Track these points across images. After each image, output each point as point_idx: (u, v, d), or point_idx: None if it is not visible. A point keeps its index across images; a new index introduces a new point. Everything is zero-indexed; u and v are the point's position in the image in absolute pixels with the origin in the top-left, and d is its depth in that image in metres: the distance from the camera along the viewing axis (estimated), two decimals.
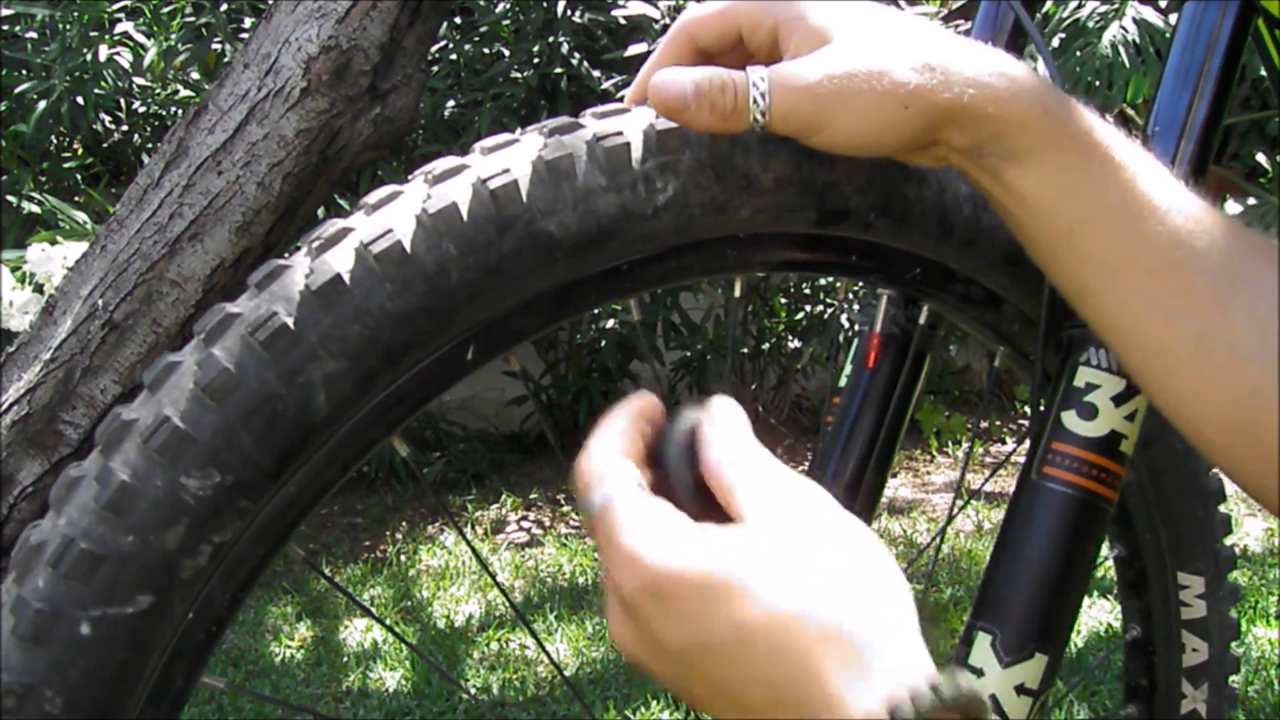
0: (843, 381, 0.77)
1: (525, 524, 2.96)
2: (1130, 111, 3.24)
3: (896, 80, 0.51)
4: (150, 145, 3.07)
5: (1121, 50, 2.88)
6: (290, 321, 0.51)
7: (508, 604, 2.38)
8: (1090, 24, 2.97)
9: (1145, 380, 0.55)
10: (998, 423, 3.99)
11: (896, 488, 3.31)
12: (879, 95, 0.51)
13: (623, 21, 3.07)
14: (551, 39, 3.01)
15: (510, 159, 0.54)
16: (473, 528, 2.89)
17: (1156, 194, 0.53)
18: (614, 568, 0.43)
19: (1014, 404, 4.13)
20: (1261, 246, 0.53)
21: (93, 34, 2.79)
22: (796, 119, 0.52)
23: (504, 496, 3.07)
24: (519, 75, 3.03)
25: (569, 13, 3.04)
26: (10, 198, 2.60)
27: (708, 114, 0.52)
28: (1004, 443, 3.82)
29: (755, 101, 0.52)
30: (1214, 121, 0.64)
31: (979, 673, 0.61)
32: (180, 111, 2.95)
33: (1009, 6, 0.75)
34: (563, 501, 3.08)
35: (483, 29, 3.06)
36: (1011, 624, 0.61)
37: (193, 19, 2.94)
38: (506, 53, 3.07)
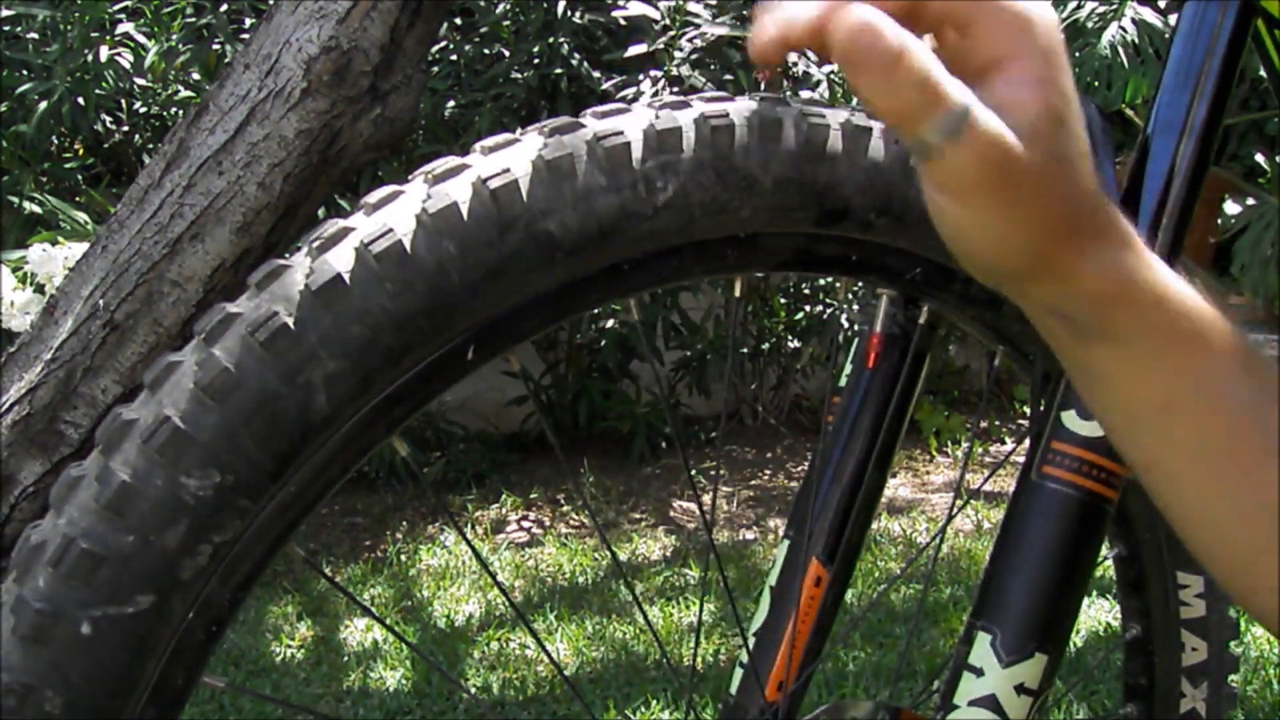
0: (843, 381, 0.77)
1: (525, 524, 2.96)
2: (1129, 112, 3.24)
3: (1061, 217, 0.45)
4: (151, 146, 3.07)
5: (1120, 51, 2.88)
6: (290, 321, 0.51)
7: (508, 604, 2.38)
8: (1089, 24, 2.97)
9: (1222, 568, 0.52)
10: (997, 423, 3.99)
11: (896, 488, 3.31)
12: (1038, 225, 0.45)
13: (623, 22, 3.07)
14: (551, 40, 3.01)
15: (510, 159, 0.55)
16: (473, 528, 2.89)
17: (1256, 381, 0.49)
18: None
19: (1014, 404, 4.13)
20: None
21: (94, 35, 2.79)
22: (963, 184, 0.44)
23: (504, 496, 3.07)
24: (519, 76, 3.03)
25: (569, 13, 3.04)
26: (11, 198, 2.60)
27: (897, 98, 0.41)
28: (1004, 443, 3.82)
29: (951, 129, 0.42)
30: (1214, 122, 0.64)
31: (979, 672, 0.61)
32: (181, 112, 2.95)
33: None
34: (562, 501, 3.08)
35: (483, 29, 3.07)
36: (1012, 624, 0.60)
37: (194, 20, 2.94)
38: (506, 53, 3.08)
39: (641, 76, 3.01)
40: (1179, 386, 0.49)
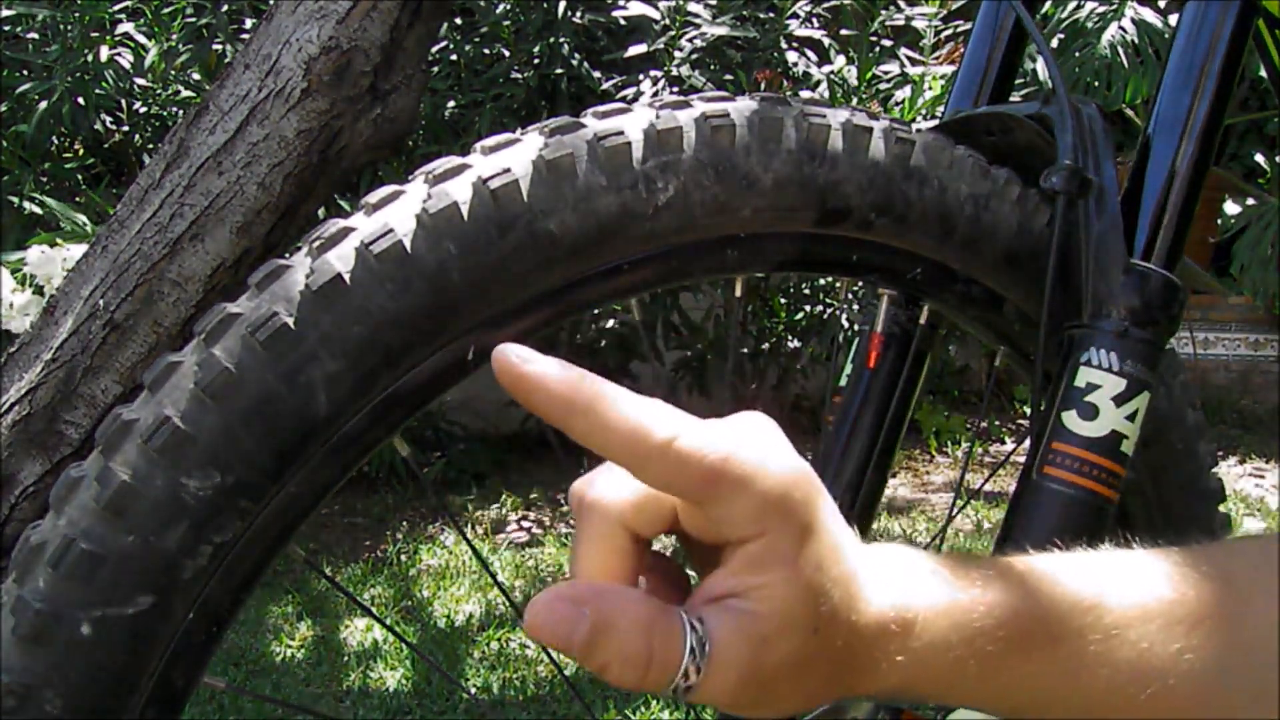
0: (843, 381, 0.77)
1: (525, 524, 2.96)
2: (1130, 112, 3.24)
3: (840, 683, 0.43)
4: (151, 146, 3.07)
5: (1120, 51, 2.88)
6: (291, 321, 0.51)
7: (508, 604, 2.37)
8: (1089, 25, 2.97)
9: None
10: (997, 423, 3.99)
11: (896, 487, 3.31)
12: (818, 695, 0.43)
13: (623, 22, 3.07)
14: (552, 40, 3.01)
15: (511, 158, 0.55)
16: (473, 528, 2.89)
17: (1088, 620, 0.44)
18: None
19: (1013, 404, 4.13)
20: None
21: (94, 35, 2.79)
22: (723, 702, 0.41)
23: (504, 496, 3.07)
24: (519, 76, 3.03)
25: (569, 13, 3.04)
26: (11, 198, 2.60)
27: (618, 669, 0.39)
28: (1003, 442, 3.82)
29: (680, 681, 0.40)
30: (1215, 121, 0.64)
31: None
32: (181, 112, 2.95)
33: (1010, 7, 0.75)
34: (562, 501, 3.08)
35: (483, 30, 3.07)
36: None
37: (194, 20, 2.94)
38: (507, 53, 3.08)
39: (641, 76, 3.01)
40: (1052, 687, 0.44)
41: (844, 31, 3.51)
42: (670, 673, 0.39)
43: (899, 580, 0.44)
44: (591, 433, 0.40)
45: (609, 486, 0.42)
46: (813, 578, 0.40)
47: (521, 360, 0.40)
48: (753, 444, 0.41)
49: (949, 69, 3.19)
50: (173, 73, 2.94)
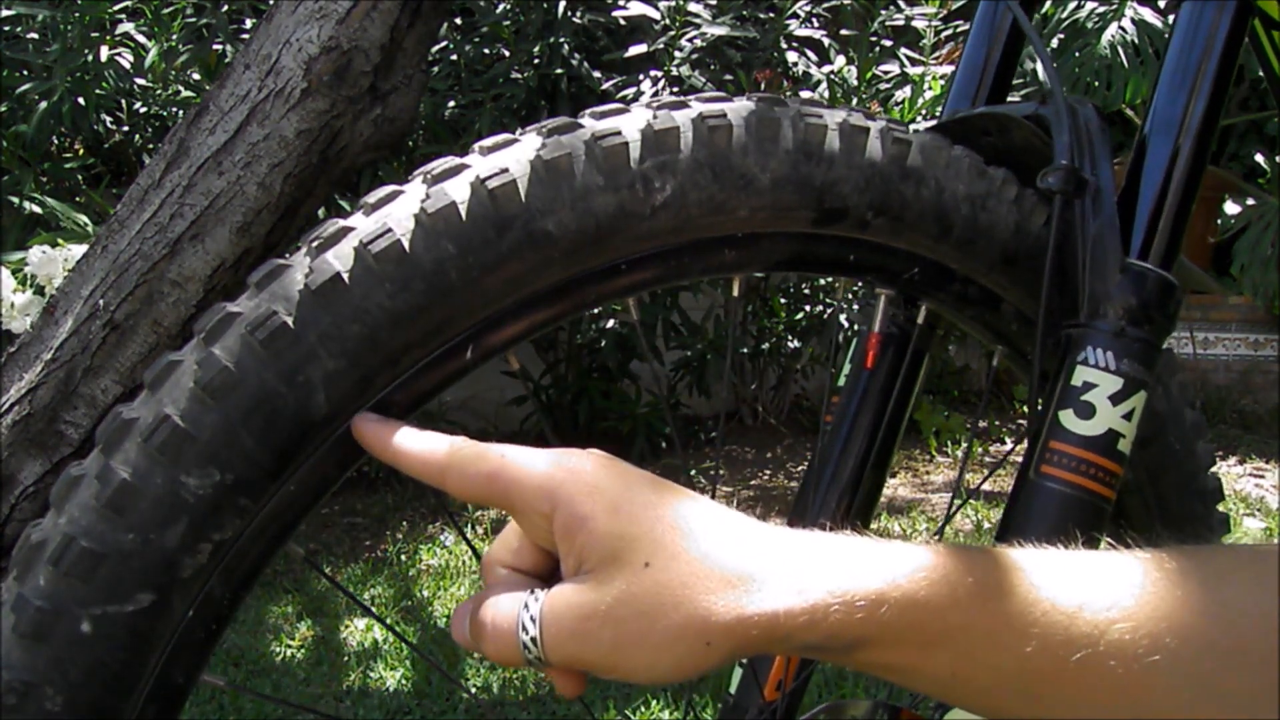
0: (842, 381, 0.77)
1: None
2: (1130, 112, 3.24)
3: (691, 614, 0.44)
4: (151, 146, 3.07)
5: (1120, 51, 2.88)
6: (290, 320, 0.51)
7: None
8: (1089, 25, 2.98)
9: None
10: (997, 422, 4.00)
11: (896, 487, 3.31)
12: (674, 633, 0.44)
13: (623, 22, 3.08)
14: (552, 40, 3.02)
15: (509, 159, 0.55)
16: (473, 528, 2.89)
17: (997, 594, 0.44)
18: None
19: (1013, 403, 4.13)
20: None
21: (94, 35, 2.79)
22: (578, 659, 0.45)
23: None
24: (519, 76, 3.03)
25: (569, 13, 3.05)
26: (11, 198, 2.60)
27: (491, 650, 0.47)
28: (1003, 442, 3.82)
29: (526, 645, 0.46)
30: (1211, 121, 0.64)
31: None
32: (181, 112, 2.95)
33: (1007, 7, 0.75)
34: None
35: (483, 30, 3.07)
36: None
37: (194, 20, 2.94)
38: (507, 53, 3.08)
39: (641, 76, 3.01)
40: (966, 655, 0.44)
41: (844, 31, 3.52)
42: (509, 634, 0.46)
43: (767, 532, 0.47)
44: (396, 459, 0.51)
45: (494, 544, 0.52)
46: (613, 524, 0.45)
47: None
48: (527, 450, 0.49)
49: (949, 69, 3.20)
50: (173, 73, 2.94)
